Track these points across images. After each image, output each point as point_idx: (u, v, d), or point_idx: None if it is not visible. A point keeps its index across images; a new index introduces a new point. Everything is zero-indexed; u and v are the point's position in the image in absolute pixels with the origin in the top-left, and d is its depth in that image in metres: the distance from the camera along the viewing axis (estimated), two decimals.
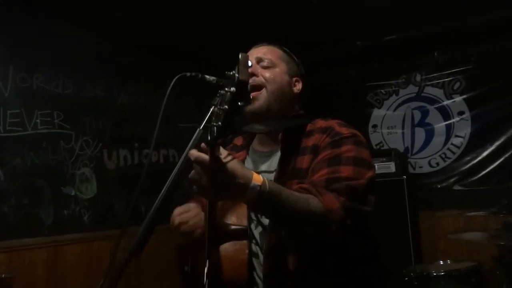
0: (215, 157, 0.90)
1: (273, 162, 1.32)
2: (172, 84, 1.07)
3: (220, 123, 0.87)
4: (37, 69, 2.83)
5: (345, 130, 1.24)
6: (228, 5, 2.97)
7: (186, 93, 3.31)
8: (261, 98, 1.29)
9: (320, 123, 1.32)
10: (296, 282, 1.18)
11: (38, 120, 2.80)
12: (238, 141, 1.49)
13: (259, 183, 0.97)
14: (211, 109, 1.12)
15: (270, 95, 1.29)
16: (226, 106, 0.87)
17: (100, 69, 3.21)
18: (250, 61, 1.31)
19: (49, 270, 2.72)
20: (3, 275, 2.21)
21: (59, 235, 2.81)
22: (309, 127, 1.32)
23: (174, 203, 1.50)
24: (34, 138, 2.76)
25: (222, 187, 0.94)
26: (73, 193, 2.94)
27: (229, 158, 0.94)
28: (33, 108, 2.79)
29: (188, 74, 1.10)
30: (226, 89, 0.90)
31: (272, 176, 1.27)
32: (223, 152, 0.93)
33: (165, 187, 1.06)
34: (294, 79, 1.39)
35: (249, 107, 1.27)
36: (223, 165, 0.91)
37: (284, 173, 1.25)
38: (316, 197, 1.07)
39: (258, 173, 1.31)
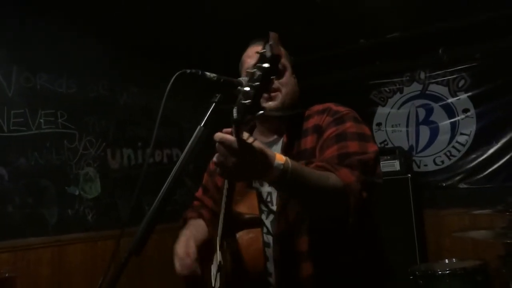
0: (240, 137, 0.90)
1: (277, 150, 1.33)
2: (172, 80, 1.07)
3: (250, 100, 0.86)
4: (41, 69, 2.84)
5: (342, 109, 1.32)
6: (229, 5, 2.97)
7: (190, 92, 3.31)
8: (277, 98, 1.34)
9: (317, 107, 1.39)
10: (307, 266, 1.20)
11: (42, 120, 2.81)
12: None
13: (282, 162, 0.99)
14: (212, 107, 1.12)
15: (285, 97, 1.35)
16: (258, 83, 0.87)
17: (104, 69, 3.22)
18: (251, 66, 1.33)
19: (54, 269, 2.73)
20: (7, 274, 2.22)
21: (63, 234, 2.82)
22: (307, 112, 1.40)
23: (175, 201, 1.51)
24: (38, 138, 2.77)
25: (247, 167, 0.94)
26: (77, 193, 2.95)
27: (252, 139, 0.94)
28: (37, 108, 2.80)
29: (188, 71, 1.09)
30: (256, 67, 0.89)
31: None
32: (244, 134, 0.93)
33: (165, 186, 1.05)
34: (293, 75, 1.43)
35: (265, 104, 1.33)
36: (249, 145, 0.92)
37: (289, 158, 1.27)
38: (333, 173, 1.10)
39: None
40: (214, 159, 0.95)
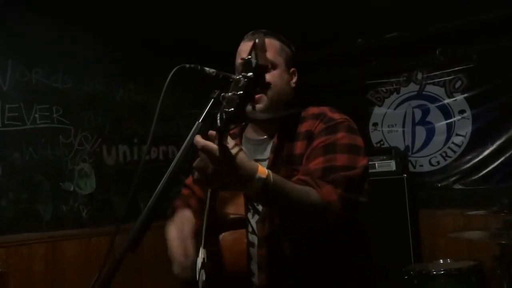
0: (223, 146, 0.88)
1: (267, 150, 1.32)
2: (170, 75, 1.05)
3: (233, 109, 0.84)
4: (37, 63, 2.81)
5: (337, 116, 1.26)
6: (228, 2, 2.96)
7: (187, 90, 3.30)
8: (262, 101, 1.28)
9: (312, 109, 1.33)
10: (290, 269, 1.19)
11: (37, 115, 2.79)
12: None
13: (264, 176, 0.97)
14: (211, 102, 1.11)
15: (271, 100, 1.29)
16: (241, 92, 0.84)
17: (100, 64, 3.20)
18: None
19: (47, 265, 2.71)
20: (0, 270, 2.20)
21: (57, 230, 2.80)
22: (302, 114, 1.34)
23: (171, 198, 1.49)
24: (32, 133, 2.75)
25: (227, 177, 0.93)
26: (72, 189, 2.93)
27: (237, 148, 0.93)
28: (32, 102, 2.77)
29: (188, 65, 1.08)
30: (241, 75, 0.86)
31: (265, 163, 1.28)
32: (230, 142, 0.92)
33: (161, 182, 1.04)
34: (291, 71, 1.38)
35: (252, 107, 1.28)
36: (230, 155, 0.90)
37: (277, 160, 1.26)
38: (314, 189, 1.08)
39: None
40: (195, 163, 0.93)
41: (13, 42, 2.72)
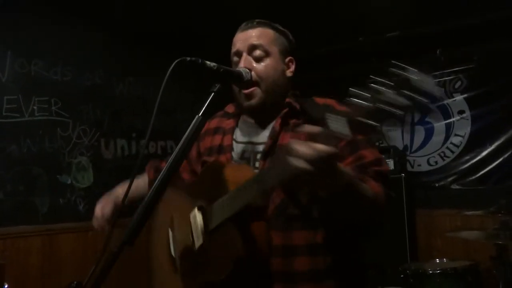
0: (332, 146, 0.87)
1: (263, 134, 1.30)
2: (171, 67, 1.04)
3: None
4: (36, 55, 2.80)
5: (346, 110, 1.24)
6: None
7: (186, 84, 3.29)
8: (256, 95, 1.27)
9: (317, 100, 1.32)
10: (303, 259, 1.17)
11: (35, 107, 2.78)
12: (230, 108, 1.45)
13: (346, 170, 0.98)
14: (211, 96, 1.10)
15: (265, 92, 1.27)
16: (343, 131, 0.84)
17: (100, 57, 3.19)
18: (241, 51, 1.29)
19: (44, 258, 2.71)
20: None
21: (54, 223, 2.80)
22: (304, 104, 1.31)
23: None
24: (30, 125, 2.74)
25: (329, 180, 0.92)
26: (69, 182, 2.92)
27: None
28: (31, 94, 2.77)
29: (188, 58, 1.07)
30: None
31: (261, 147, 1.27)
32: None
33: (159, 177, 1.04)
34: (287, 60, 1.34)
35: (245, 104, 1.28)
36: (335, 153, 0.88)
37: (275, 147, 1.24)
38: (365, 183, 1.09)
39: (246, 142, 1.31)
40: (303, 165, 0.85)
41: (13, 34, 2.70)
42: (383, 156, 1.22)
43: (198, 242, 1.18)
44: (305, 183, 0.93)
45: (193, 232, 1.21)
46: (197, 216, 1.19)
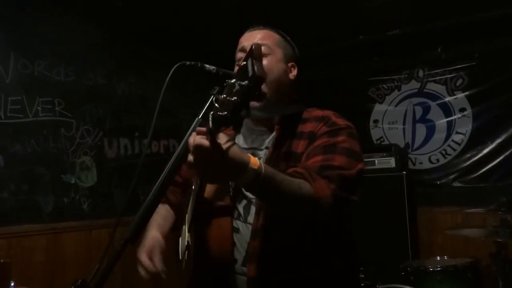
0: (216, 144, 0.90)
1: (265, 141, 1.33)
2: (171, 72, 1.07)
3: (228, 113, 0.85)
4: (39, 56, 2.82)
5: (341, 121, 1.28)
6: None
7: (187, 83, 3.31)
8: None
9: (316, 112, 1.34)
10: (281, 262, 1.20)
11: (39, 107, 2.80)
12: None
13: (256, 166, 0.99)
14: (211, 99, 1.12)
15: (269, 87, 1.28)
16: (237, 98, 0.85)
17: (102, 57, 3.21)
18: (246, 47, 1.32)
19: (48, 256, 2.74)
20: (1, 260, 2.22)
21: (58, 222, 2.82)
22: (305, 114, 1.34)
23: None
24: (34, 125, 2.77)
25: (221, 171, 0.95)
26: (73, 181, 2.95)
27: (229, 143, 0.94)
28: (34, 95, 2.79)
29: (188, 63, 1.10)
30: (239, 81, 0.86)
31: (262, 153, 1.30)
32: (222, 137, 0.93)
33: (161, 176, 1.06)
34: (289, 64, 1.38)
35: (244, 113, 1.29)
36: (223, 152, 0.92)
37: (277, 154, 1.27)
38: (309, 182, 1.10)
39: (248, 149, 1.34)
40: (188, 160, 0.95)
41: (16, 34, 2.72)
42: (361, 168, 1.21)
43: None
44: (199, 174, 0.99)
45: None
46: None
